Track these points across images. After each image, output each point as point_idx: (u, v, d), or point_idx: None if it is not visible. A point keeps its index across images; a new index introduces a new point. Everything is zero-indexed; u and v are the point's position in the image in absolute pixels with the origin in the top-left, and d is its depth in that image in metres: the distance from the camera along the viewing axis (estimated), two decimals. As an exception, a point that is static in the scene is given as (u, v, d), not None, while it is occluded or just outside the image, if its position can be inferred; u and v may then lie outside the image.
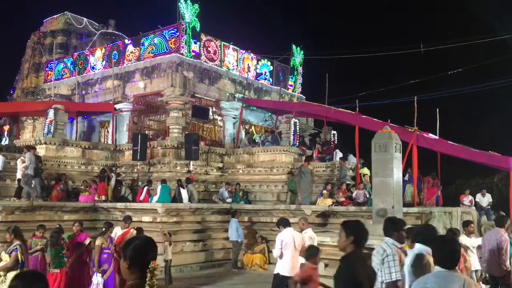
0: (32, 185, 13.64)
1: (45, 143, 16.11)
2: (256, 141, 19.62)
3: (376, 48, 22.08)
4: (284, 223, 7.92)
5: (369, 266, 4.19)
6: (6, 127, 19.97)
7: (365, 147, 11.69)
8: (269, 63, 22.44)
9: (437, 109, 16.19)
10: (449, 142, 15.40)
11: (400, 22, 37.66)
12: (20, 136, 19.77)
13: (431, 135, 15.60)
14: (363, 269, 3.79)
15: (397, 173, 10.03)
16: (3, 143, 19.18)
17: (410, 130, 14.89)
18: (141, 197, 14.95)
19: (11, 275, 6.44)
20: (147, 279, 2.79)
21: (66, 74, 22.75)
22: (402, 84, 18.79)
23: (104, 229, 9.68)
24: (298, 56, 23.54)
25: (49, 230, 11.20)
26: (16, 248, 6.99)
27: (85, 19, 27.72)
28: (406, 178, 14.07)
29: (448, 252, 3.72)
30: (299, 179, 14.80)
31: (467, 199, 16.80)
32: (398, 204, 9.94)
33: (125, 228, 10.43)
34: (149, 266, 2.82)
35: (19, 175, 13.86)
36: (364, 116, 16.57)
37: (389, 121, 14.22)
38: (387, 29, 36.75)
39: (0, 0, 44.83)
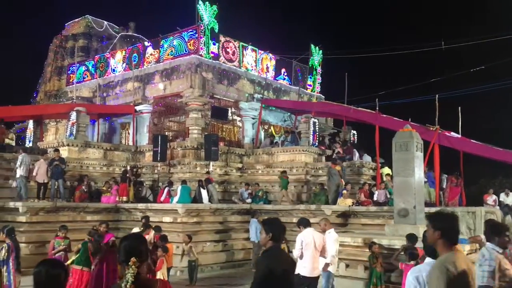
0: (20, 187, 13.76)
1: (68, 145, 16.39)
2: (275, 141, 19.61)
3: (396, 46, 21.86)
4: (304, 223, 7.88)
5: (288, 261, 4.36)
6: (30, 130, 20.35)
7: (385, 147, 11.58)
8: (287, 63, 22.38)
9: (459, 107, 15.93)
10: (471, 140, 15.16)
11: (420, 20, 37.21)
12: (43, 138, 20.14)
13: (453, 134, 15.37)
14: (280, 263, 3.99)
15: (419, 172, 9.91)
16: (27, 145, 19.54)
17: (431, 129, 14.70)
18: (162, 198, 15.08)
19: None
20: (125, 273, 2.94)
21: (87, 76, 23.10)
22: (423, 83, 18.53)
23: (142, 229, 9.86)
24: (317, 56, 23.45)
25: (71, 231, 11.40)
26: (3, 247, 7.52)
27: (105, 22, 28.14)
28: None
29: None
30: (327, 180, 14.76)
31: (490, 198, 16.51)
32: (420, 204, 9.82)
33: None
34: (129, 263, 2.94)
35: (38, 177, 14.07)
36: (384, 115, 16.41)
37: (410, 120, 14.05)
38: (407, 27, 36.34)
39: (23, 5, 45.77)
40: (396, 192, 10.16)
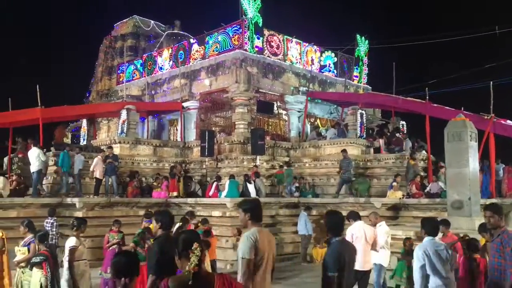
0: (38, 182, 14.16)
1: (119, 142, 16.93)
2: (322, 134, 19.44)
3: (446, 33, 21.06)
4: (354, 216, 7.78)
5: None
6: (84, 128, 21.16)
7: (436, 137, 11.23)
8: (333, 54, 22.11)
9: (516, 94, 15.21)
10: (529, 128, 14.43)
11: (472, 4, 35.66)
12: (96, 137, 20.89)
13: (509, 122, 14.70)
14: (168, 248, 4.44)
15: (473, 163, 9.57)
16: (81, 143, 20.33)
17: (486, 117, 14.13)
18: (210, 193, 15.31)
19: (36, 270, 6.76)
20: None
21: (136, 75, 23.72)
22: (476, 69, 17.79)
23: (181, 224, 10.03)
24: (363, 46, 22.99)
25: (125, 225, 11.78)
26: (33, 239, 7.38)
27: (152, 21, 28.82)
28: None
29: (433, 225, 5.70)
30: (405, 174, 14.72)
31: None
32: (475, 196, 9.48)
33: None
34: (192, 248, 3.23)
35: (97, 174, 14.68)
36: (435, 105, 15.89)
37: (462, 109, 13.52)
38: (458, 11, 34.96)
39: (74, 9, 47.54)
40: (449, 183, 9.86)
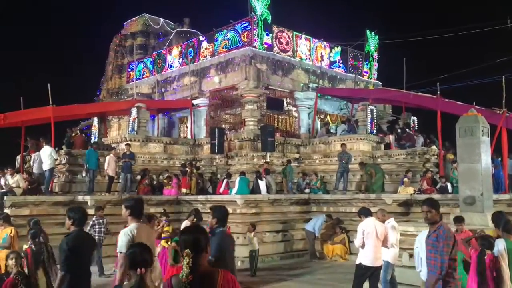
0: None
1: (130, 140, 17.01)
2: (332, 130, 19.38)
3: (456, 26, 20.83)
4: (365, 212, 7.77)
5: (91, 240, 5.55)
6: (95, 127, 21.30)
7: (447, 132, 11.14)
8: (339, 49, 21.97)
9: (529, 88, 15.01)
10: (543, 123, 14.24)
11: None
12: (107, 134, 21.02)
13: (522, 116, 14.52)
14: (79, 245, 4.86)
15: (485, 158, 9.47)
16: (92, 141, 20.46)
17: (498, 112, 13.99)
18: (221, 190, 15.35)
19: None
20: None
21: (146, 73, 23.82)
22: (487, 63, 17.56)
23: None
24: (372, 42, 22.85)
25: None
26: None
27: (161, 19, 28.89)
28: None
29: None
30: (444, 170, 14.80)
31: None
32: (488, 191, 9.40)
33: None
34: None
35: (110, 171, 14.80)
36: (446, 100, 15.75)
37: (474, 103, 13.40)
38: (468, 6, 34.56)
39: (84, 8, 47.82)
40: (461, 179, 9.78)
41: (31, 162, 15.33)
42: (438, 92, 15.82)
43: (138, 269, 3.37)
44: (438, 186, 13.76)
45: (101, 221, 11.39)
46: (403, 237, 8.92)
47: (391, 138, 17.52)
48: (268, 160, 16.54)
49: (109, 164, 14.74)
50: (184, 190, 15.43)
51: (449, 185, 13.76)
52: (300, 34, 20.29)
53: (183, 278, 2.99)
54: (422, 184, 13.89)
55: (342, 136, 17.54)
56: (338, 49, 21.82)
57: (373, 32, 22.89)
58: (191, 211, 9.97)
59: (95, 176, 14.81)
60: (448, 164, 14.86)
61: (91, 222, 11.13)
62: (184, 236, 3.21)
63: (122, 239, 4.66)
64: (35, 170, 14.57)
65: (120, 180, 15.35)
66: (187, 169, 16.12)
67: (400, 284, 8.64)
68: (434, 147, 16.08)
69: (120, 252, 4.59)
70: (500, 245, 5.97)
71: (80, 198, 13.57)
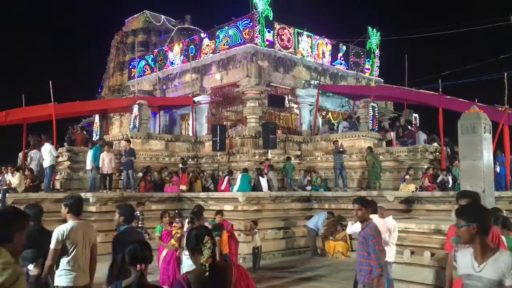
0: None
1: (132, 137, 17.01)
2: (334, 128, 19.36)
3: (459, 23, 20.76)
4: (371, 208, 7.78)
5: (47, 234, 5.28)
6: (96, 124, 21.32)
7: (449, 129, 11.12)
8: (344, 47, 21.96)
9: (531, 85, 14.96)
10: (545, 120, 14.20)
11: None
12: (109, 132, 21.03)
13: (524, 113, 14.47)
14: (34, 239, 4.79)
15: (487, 155, 9.44)
16: (94, 138, 20.49)
17: (500, 109, 13.96)
18: (222, 187, 15.35)
19: None
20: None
21: (147, 70, 23.81)
22: (490, 60, 17.54)
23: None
24: (374, 38, 22.80)
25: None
26: None
27: (162, 16, 28.88)
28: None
29: None
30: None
31: None
32: (490, 188, 9.37)
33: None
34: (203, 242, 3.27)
35: (104, 168, 14.71)
36: (448, 97, 15.72)
37: (476, 100, 13.37)
38: (470, 1, 34.45)
39: (85, 5, 47.79)
40: (463, 176, 9.75)
41: (28, 159, 15.35)
42: (440, 89, 15.79)
43: (138, 265, 3.42)
44: (439, 179, 13.74)
45: (139, 216, 11.20)
46: (405, 234, 8.90)
47: (393, 135, 17.51)
48: (269, 157, 16.53)
49: (103, 161, 14.62)
50: (182, 187, 15.43)
51: (450, 178, 13.71)
52: (301, 31, 20.25)
53: (203, 260, 3.09)
54: (423, 181, 13.88)
55: (344, 133, 17.52)
56: (340, 46, 21.78)
57: (374, 29, 22.84)
58: (163, 212, 10.02)
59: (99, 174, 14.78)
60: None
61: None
62: (203, 231, 3.35)
63: (54, 236, 4.89)
64: (33, 167, 14.58)
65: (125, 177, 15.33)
66: (186, 166, 16.14)
67: (402, 281, 8.63)
68: (435, 144, 16.07)
69: (51, 248, 4.84)
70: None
71: (82, 195, 13.56)
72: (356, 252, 5.54)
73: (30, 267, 4.81)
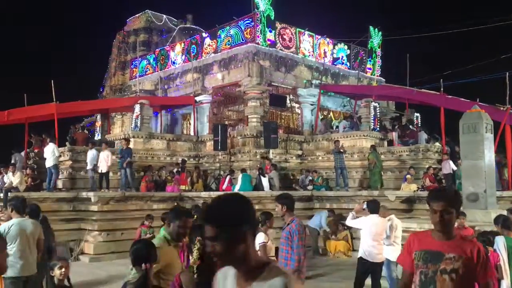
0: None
1: (133, 136, 17.03)
2: (333, 126, 19.36)
3: (460, 22, 20.74)
4: (372, 208, 7.79)
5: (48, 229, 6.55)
6: (98, 123, 21.33)
7: (451, 129, 11.12)
8: (345, 47, 21.95)
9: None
10: (547, 120, 14.17)
11: (487, -7, 35.04)
12: (111, 131, 21.05)
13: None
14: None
15: (489, 155, 9.45)
16: (96, 138, 20.50)
17: (502, 108, 13.93)
18: (224, 186, 15.36)
19: None
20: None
21: (149, 70, 23.82)
22: (491, 60, 17.51)
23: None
24: (376, 38, 22.78)
25: (139, 219, 11.86)
26: None
27: (164, 16, 28.86)
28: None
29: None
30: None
31: None
32: (491, 188, 9.38)
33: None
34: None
35: (101, 168, 14.75)
36: (450, 96, 15.70)
37: (478, 100, 13.35)
38: (471, 1, 34.40)
39: (86, 4, 47.83)
40: (464, 176, 9.75)
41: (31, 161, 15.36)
42: (442, 89, 15.77)
43: (143, 264, 3.43)
44: (442, 164, 13.81)
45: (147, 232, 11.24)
46: (406, 233, 8.90)
47: (394, 134, 17.49)
48: (271, 157, 16.52)
49: (100, 160, 14.59)
50: (182, 187, 15.45)
51: (451, 162, 13.75)
52: (303, 31, 20.24)
53: (192, 262, 3.16)
54: (425, 181, 13.87)
55: (345, 133, 17.52)
56: (341, 46, 21.77)
57: (376, 29, 22.81)
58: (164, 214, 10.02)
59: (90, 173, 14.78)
60: None
61: None
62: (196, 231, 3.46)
63: None
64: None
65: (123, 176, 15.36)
66: (185, 166, 16.16)
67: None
68: (437, 143, 16.05)
69: None
70: (499, 242, 5.96)
71: (84, 194, 13.60)
72: (279, 248, 5.54)
73: None
